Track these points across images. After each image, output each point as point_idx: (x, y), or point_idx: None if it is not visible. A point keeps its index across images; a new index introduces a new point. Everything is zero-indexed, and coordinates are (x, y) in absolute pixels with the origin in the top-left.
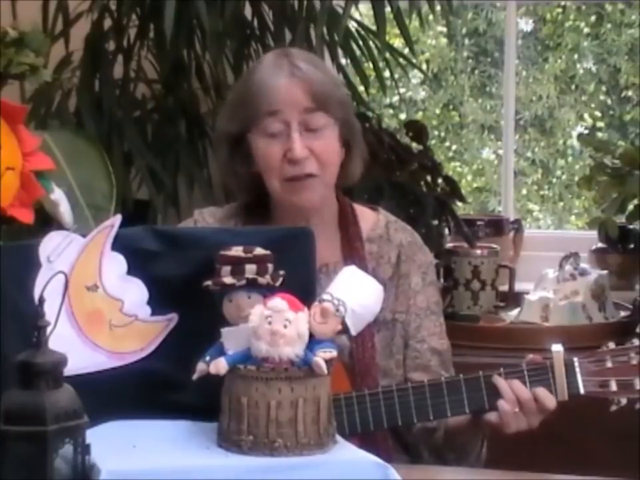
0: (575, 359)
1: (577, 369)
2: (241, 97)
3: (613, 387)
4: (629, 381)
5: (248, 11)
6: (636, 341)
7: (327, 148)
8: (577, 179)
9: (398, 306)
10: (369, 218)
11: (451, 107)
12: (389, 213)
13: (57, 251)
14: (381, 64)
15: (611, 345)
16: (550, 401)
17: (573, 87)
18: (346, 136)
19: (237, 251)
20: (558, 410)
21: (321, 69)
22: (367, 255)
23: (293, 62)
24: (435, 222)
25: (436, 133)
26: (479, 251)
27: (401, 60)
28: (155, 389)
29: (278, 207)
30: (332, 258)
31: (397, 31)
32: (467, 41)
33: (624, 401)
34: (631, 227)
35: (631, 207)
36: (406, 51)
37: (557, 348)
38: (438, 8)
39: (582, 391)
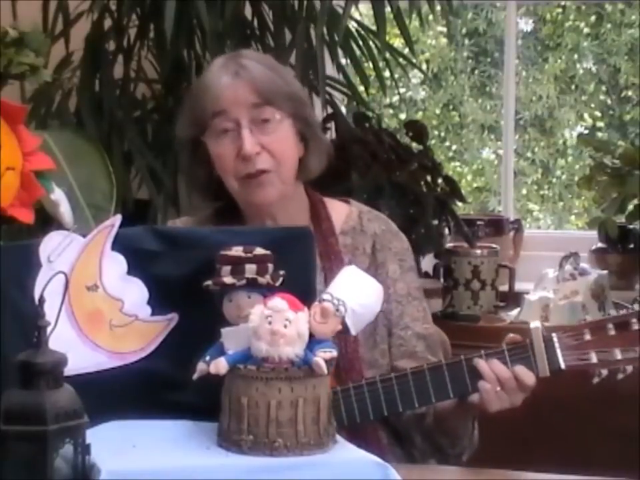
0: (554, 335)
1: (556, 344)
2: (191, 102)
3: (594, 359)
4: (609, 351)
5: (248, 11)
6: (613, 312)
7: (279, 142)
8: (576, 179)
9: None
10: (340, 210)
11: (450, 107)
12: (361, 204)
13: (57, 251)
14: (381, 64)
15: (589, 318)
16: (529, 378)
17: (573, 87)
18: (302, 130)
19: (237, 250)
20: (556, 408)
21: (269, 67)
22: (342, 248)
23: (240, 62)
24: (435, 222)
25: (436, 132)
26: (478, 251)
27: (401, 60)
28: (155, 388)
29: (244, 208)
30: None
31: (397, 31)
32: (466, 41)
33: (605, 373)
34: (631, 226)
35: (630, 207)
36: (406, 51)
37: (535, 324)
38: (438, 8)
39: (562, 365)
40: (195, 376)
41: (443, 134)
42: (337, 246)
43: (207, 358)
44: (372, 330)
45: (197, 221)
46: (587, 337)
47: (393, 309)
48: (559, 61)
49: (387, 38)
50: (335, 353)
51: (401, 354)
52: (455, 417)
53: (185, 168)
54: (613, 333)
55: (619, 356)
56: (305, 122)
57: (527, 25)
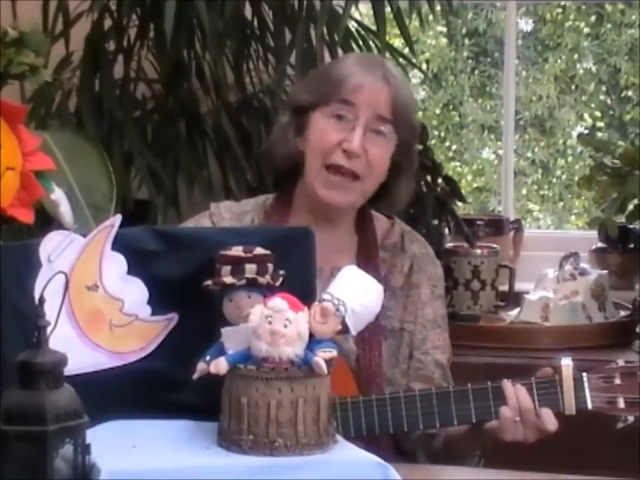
0: (584, 374)
1: (586, 384)
2: (327, 74)
3: (621, 404)
4: (637, 399)
5: (248, 11)
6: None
7: (379, 157)
8: (576, 178)
9: (406, 316)
10: (383, 225)
11: (451, 107)
12: (403, 223)
13: (57, 251)
14: None
15: (621, 362)
16: (552, 424)
17: (573, 87)
18: (399, 159)
19: (237, 250)
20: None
21: (408, 88)
22: (381, 262)
23: (387, 67)
24: (435, 222)
25: (436, 132)
26: (479, 251)
27: (401, 60)
28: (155, 388)
29: (302, 205)
30: (346, 262)
31: (397, 31)
32: (467, 41)
33: (631, 419)
34: (631, 226)
35: (630, 206)
36: (406, 50)
37: (567, 362)
38: (438, 8)
39: (590, 406)
40: (195, 376)
41: (443, 134)
42: (377, 259)
43: (207, 358)
44: (396, 349)
45: (242, 207)
46: (617, 381)
47: (417, 332)
48: (559, 61)
49: (387, 38)
50: (334, 353)
51: (417, 377)
52: (465, 442)
53: (279, 125)
54: None
55: None
56: (407, 153)
57: (527, 25)
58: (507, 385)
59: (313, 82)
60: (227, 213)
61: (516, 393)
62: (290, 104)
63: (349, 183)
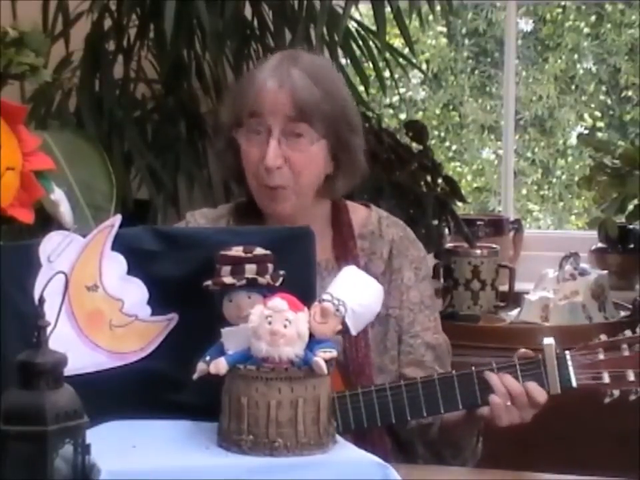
0: (567, 352)
1: (569, 362)
2: (236, 92)
3: (606, 379)
4: (622, 372)
5: (248, 11)
6: (628, 333)
7: (303, 160)
8: (576, 179)
9: (391, 301)
10: (360, 214)
11: (451, 107)
12: (380, 209)
13: (57, 251)
14: (381, 64)
15: (603, 337)
16: (541, 395)
17: (573, 87)
18: (335, 151)
19: (237, 250)
20: (556, 409)
21: (317, 80)
22: (359, 251)
23: (289, 69)
24: (435, 222)
25: (436, 132)
26: (478, 251)
27: (401, 60)
28: (155, 389)
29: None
30: (323, 256)
31: (397, 31)
32: (467, 41)
33: (617, 393)
34: (631, 227)
35: (630, 207)
36: (406, 51)
37: (549, 341)
38: (438, 8)
39: (574, 384)
40: (195, 376)
41: (442, 134)
42: (355, 249)
43: (207, 358)
44: (383, 336)
45: (217, 213)
46: (601, 356)
47: (405, 316)
48: (559, 61)
49: (387, 38)
50: (334, 353)
51: (408, 361)
52: (460, 428)
53: (217, 152)
54: (627, 353)
55: (632, 377)
56: (340, 143)
57: (527, 25)
58: (490, 375)
59: (231, 101)
60: (202, 219)
61: (502, 380)
62: (220, 127)
63: (282, 194)
